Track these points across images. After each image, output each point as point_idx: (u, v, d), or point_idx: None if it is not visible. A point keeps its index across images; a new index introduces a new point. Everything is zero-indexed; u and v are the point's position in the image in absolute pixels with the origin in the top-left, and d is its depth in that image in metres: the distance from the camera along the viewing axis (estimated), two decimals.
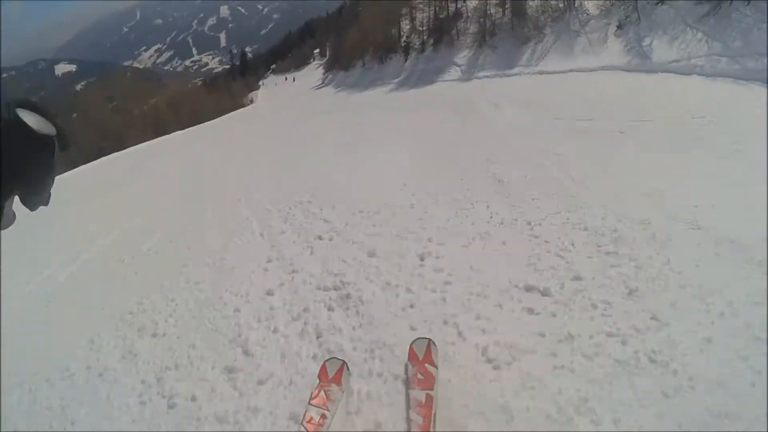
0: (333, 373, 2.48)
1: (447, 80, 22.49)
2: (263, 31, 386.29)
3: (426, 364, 2.41)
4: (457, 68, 23.35)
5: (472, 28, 25.53)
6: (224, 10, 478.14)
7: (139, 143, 29.80)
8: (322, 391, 2.38)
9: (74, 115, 44.97)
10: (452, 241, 4.07)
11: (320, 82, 53.80)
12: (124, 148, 27.52)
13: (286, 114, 25.11)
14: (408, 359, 2.51)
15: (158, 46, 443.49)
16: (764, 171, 3.98)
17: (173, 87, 58.54)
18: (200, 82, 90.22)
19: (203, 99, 52.21)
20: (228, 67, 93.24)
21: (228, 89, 60.11)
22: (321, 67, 72.75)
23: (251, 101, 60.28)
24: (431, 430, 2.08)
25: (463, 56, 24.24)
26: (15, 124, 0.73)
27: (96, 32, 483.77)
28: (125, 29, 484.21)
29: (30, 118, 0.74)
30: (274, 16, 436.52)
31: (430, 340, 2.53)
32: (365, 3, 45.72)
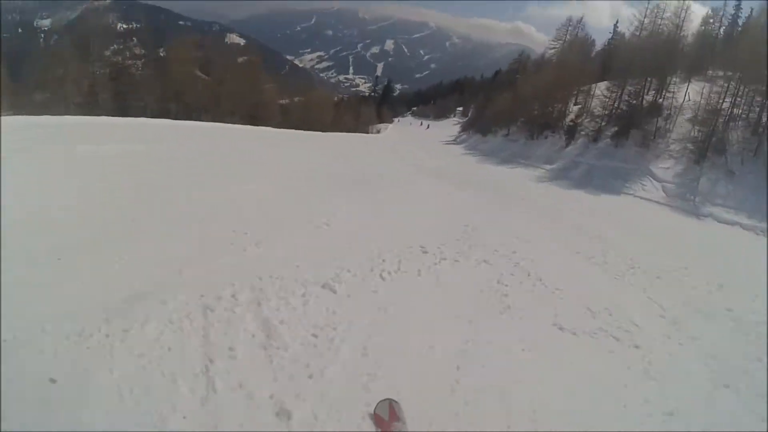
0: (387, 415, 2.51)
1: (642, 197, 16.39)
2: (418, 75, 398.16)
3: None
4: (656, 183, 17.02)
5: (678, 130, 20.02)
6: (389, 44, 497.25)
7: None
8: None
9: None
10: None
11: (452, 138, 51.82)
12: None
13: (396, 165, 21.45)
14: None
15: (321, 53, 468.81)
16: None
17: (319, 92, 58.98)
18: (341, 97, 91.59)
19: (329, 112, 51.38)
20: (371, 93, 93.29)
21: (357, 112, 59.71)
22: (459, 125, 71.39)
23: (377, 131, 59.45)
24: None
25: (665, 168, 17.82)
26: None
27: (273, 21, 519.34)
28: (298, 28, 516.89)
29: None
30: (432, 65, 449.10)
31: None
32: (529, 73, 43.36)
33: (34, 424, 2.64)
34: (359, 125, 53.72)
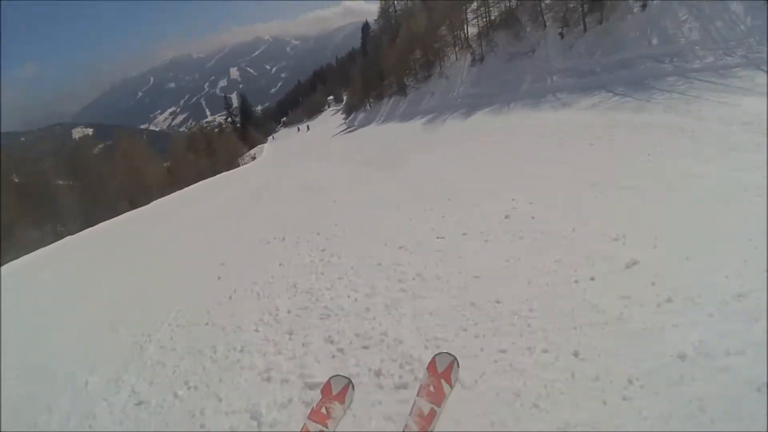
0: (337, 390, 2.46)
1: None
2: (273, 90, 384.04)
3: (442, 380, 2.35)
4: None
5: None
6: (234, 72, 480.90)
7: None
8: (324, 407, 2.36)
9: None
10: None
11: (344, 127, 42.14)
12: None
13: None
14: (427, 368, 2.47)
15: (173, 108, 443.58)
16: None
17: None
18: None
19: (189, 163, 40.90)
20: (227, 121, 79.59)
21: (212, 150, 47.79)
22: (339, 113, 61.92)
23: (253, 158, 47.75)
24: None
25: None
26: None
27: (112, 97, 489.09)
28: (140, 93, 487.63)
29: None
30: (282, 74, 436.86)
31: (454, 357, 2.47)
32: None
33: None
34: (218, 163, 42.29)
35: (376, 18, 41.73)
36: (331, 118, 62.96)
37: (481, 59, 21.62)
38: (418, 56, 28.56)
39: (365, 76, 39.68)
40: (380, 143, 17.87)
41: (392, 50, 31.83)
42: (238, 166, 42.68)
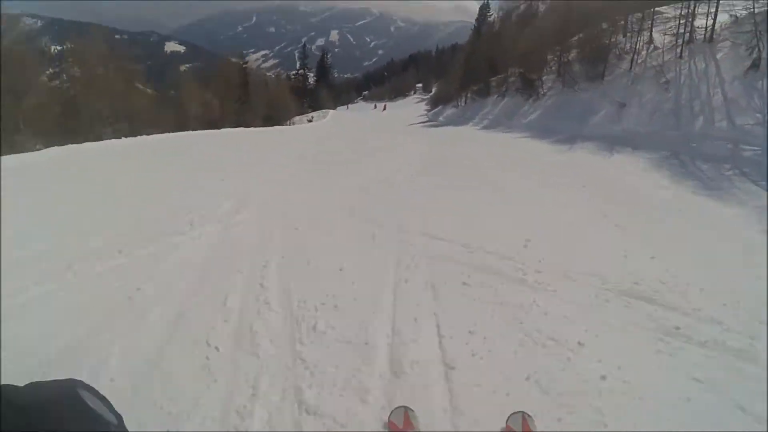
0: (402, 422, 2.39)
1: None
2: (366, 63, 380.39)
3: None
4: None
5: None
6: (334, 35, 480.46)
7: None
8: None
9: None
10: None
11: (424, 118, 35.71)
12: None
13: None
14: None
15: (266, 52, 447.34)
16: None
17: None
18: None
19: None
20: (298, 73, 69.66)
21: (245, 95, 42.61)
22: (423, 102, 55.48)
23: (310, 120, 41.95)
24: None
25: None
26: (76, 403, 0.75)
27: (212, 24, 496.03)
28: (240, 28, 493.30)
29: (94, 401, 0.78)
30: (379, 51, 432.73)
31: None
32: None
33: None
34: (248, 113, 36.95)
35: None
36: (413, 105, 56.65)
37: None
38: (577, 44, 19.68)
39: (470, 63, 32.40)
40: (484, 158, 11.18)
41: (527, 33, 23.88)
42: (284, 124, 37.23)
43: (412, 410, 2.39)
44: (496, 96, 25.29)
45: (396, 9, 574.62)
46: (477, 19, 39.22)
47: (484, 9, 38.36)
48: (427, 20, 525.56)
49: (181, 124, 27.22)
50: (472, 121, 23.62)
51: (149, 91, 38.31)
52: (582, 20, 19.04)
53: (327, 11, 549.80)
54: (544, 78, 20.70)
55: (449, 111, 33.17)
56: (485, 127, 20.55)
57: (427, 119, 34.22)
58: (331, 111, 50.18)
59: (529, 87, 21.15)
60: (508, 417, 2.35)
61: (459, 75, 34.16)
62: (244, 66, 41.80)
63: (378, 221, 5.18)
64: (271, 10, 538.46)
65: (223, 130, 21.48)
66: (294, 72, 70.62)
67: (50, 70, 35.56)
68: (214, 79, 37.93)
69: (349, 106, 72.69)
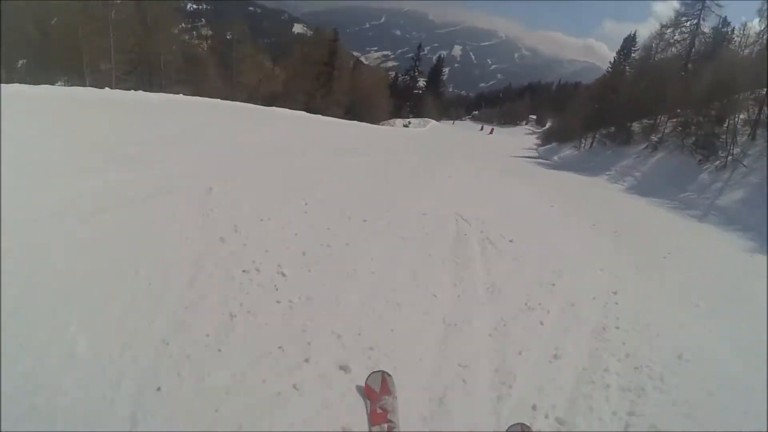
0: (379, 387, 2.36)
1: None
2: (482, 84, 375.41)
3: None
4: None
5: None
6: (457, 49, 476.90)
7: None
8: (378, 407, 2.28)
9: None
10: None
11: (534, 151, 31.57)
12: None
13: None
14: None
15: (387, 52, 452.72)
16: None
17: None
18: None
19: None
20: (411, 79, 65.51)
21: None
22: (533, 134, 51.10)
23: (407, 125, 38.46)
24: None
25: None
26: None
27: (341, 16, 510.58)
28: (367, 25, 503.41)
29: None
30: (498, 75, 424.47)
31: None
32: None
33: None
34: (367, 111, 33.62)
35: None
36: (522, 136, 52.28)
37: None
38: None
39: (604, 99, 27.76)
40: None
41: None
42: (380, 124, 34.02)
43: (390, 375, 2.40)
44: (643, 147, 20.32)
45: (523, 36, 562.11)
46: (618, 52, 33.98)
47: (629, 40, 33.03)
48: (553, 54, 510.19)
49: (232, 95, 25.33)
50: (606, 173, 18.92)
51: (267, 64, 38.64)
52: None
53: (455, 26, 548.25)
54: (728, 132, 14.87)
55: (567, 152, 28.73)
56: (632, 189, 15.78)
57: (538, 155, 29.82)
58: (433, 121, 46.26)
59: (707, 143, 15.44)
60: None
61: (585, 112, 29.38)
62: (335, 43, 38.54)
63: None
64: (401, 14, 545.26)
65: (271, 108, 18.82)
66: (403, 73, 66.96)
67: (182, 25, 36.42)
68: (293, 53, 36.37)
69: (455, 121, 68.69)
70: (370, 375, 2.36)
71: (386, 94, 43.56)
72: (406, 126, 37.52)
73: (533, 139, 46.64)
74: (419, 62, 64.62)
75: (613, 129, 24.49)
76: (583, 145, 28.22)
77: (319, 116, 20.67)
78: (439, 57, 77.47)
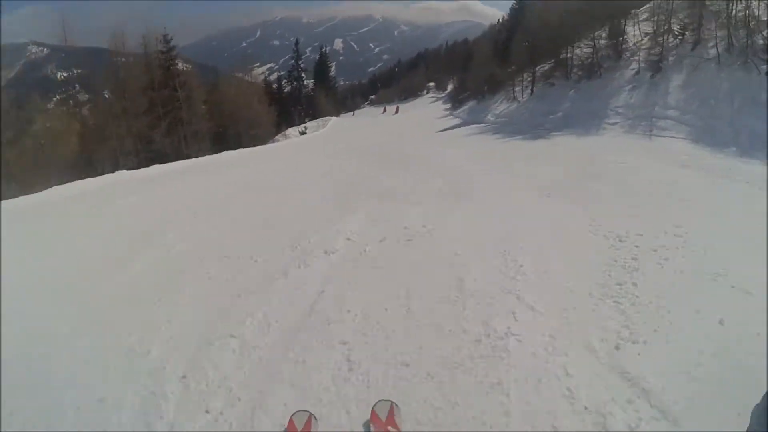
0: (302, 426, 2.29)
1: None
2: (371, 69, 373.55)
3: (389, 427, 2.26)
4: None
5: None
6: (338, 43, 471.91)
7: None
8: None
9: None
10: None
11: (455, 119, 26.14)
12: None
13: None
14: (370, 420, 2.31)
15: (271, 65, 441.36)
16: None
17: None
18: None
19: None
20: (296, 80, 58.92)
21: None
22: (439, 101, 48.20)
23: (301, 131, 31.89)
24: None
25: None
26: None
27: (217, 41, 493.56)
28: (244, 44, 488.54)
29: None
30: (384, 56, 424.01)
31: (392, 402, 2.36)
32: None
33: None
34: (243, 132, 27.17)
35: None
36: (429, 106, 46.91)
37: None
38: None
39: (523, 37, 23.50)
40: None
41: None
42: (271, 141, 27.55)
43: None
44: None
45: (399, 13, 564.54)
46: None
47: None
48: (431, 22, 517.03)
49: None
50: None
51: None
52: None
53: (330, 21, 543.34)
54: None
55: (502, 107, 23.45)
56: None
57: (462, 122, 24.43)
58: (333, 118, 39.80)
59: None
60: (376, 403, 2.35)
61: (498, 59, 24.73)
62: (167, 55, 30.96)
63: None
64: (275, 24, 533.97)
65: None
66: (286, 77, 60.00)
67: (56, 97, 34.80)
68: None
69: (355, 112, 62.58)
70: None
71: (265, 106, 36.40)
72: (302, 133, 31.12)
73: (441, 106, 41.89)
74: (301, 61, 58.08)
75: (552, 63, 19.91)
76: (516, 93, 23.19)
77: (165, 165, 13.67)
78: (322, 51, 69.39)
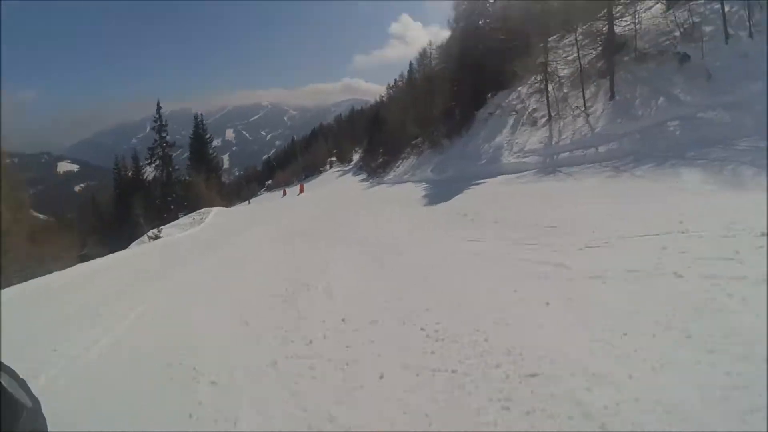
0: None
1: None
2: (264, 156, 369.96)
3: None
4: None
5: None
6: (229, 133, 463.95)
7: None
8: None
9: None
10: None
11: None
12: None
13: None
14: None
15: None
16: None
17: None
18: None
19: None
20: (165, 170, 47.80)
21: None
22: (349, 173, 41.70)
23: (153, 238, 21.02)
24: None
25: None
26: None
27: (105, 138, 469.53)
28: (134, 140, 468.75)
29: (11, 383, 0.74)
30: (277, 142, 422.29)
31: None
32: None
33: None
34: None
35: None
36: (337, 180, 40.02)
37: None
38: None
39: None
40: None
41: None
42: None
43: None
44: None
45: (288, 98, 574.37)
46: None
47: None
48: (318, 104, 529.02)
49: None
50: None
51: (41, 216, 35.48)
52: None
53: (219, 111, 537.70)
54: None
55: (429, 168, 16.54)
56: None
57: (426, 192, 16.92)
58: (215, 209, 27.47)
59: None
60: None
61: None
62: None
63: None
64: (164, 117, 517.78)
65: None
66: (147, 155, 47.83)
67: None
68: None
69: (251, 200, 53.11)
70: None
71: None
72: (155, 238, 20.40)
73: (351, 177, 35.19)
74: (165, 133, 46.75)
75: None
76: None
77: None
78: (196, 119, 55.19)
